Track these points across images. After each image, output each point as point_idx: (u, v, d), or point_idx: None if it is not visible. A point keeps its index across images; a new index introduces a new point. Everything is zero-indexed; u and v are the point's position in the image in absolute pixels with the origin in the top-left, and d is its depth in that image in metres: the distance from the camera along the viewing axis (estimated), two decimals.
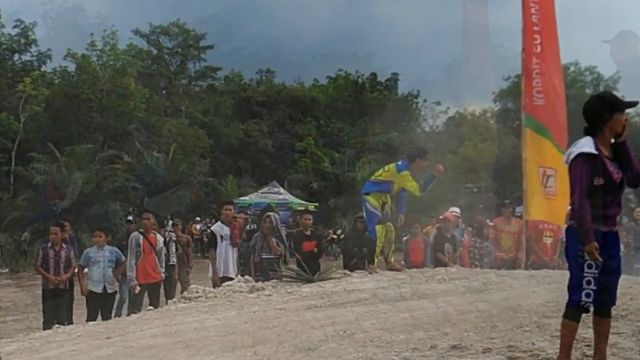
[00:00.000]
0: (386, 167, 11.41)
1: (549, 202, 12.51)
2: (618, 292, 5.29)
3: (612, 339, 5.42)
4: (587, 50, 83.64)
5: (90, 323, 10.08)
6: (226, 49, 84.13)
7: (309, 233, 13.23)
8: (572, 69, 46.20)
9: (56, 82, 41.00)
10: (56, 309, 12.05)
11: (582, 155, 4.92)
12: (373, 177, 11.61)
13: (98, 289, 12.26)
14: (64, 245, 12.41)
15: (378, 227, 11.19)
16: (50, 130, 36.93)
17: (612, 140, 5.06)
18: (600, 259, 4.84)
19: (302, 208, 32.78)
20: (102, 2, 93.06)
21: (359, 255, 12.60)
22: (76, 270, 12.46)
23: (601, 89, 42.35)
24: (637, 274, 12.84)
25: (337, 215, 36.40)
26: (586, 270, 4.87)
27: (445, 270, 11.38)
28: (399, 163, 11.18)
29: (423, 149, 11.92)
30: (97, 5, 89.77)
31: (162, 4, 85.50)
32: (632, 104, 5.48)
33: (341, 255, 18.04)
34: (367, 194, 11.33)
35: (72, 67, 40.63)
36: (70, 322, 11.68)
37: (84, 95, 37.87)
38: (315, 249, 12.76)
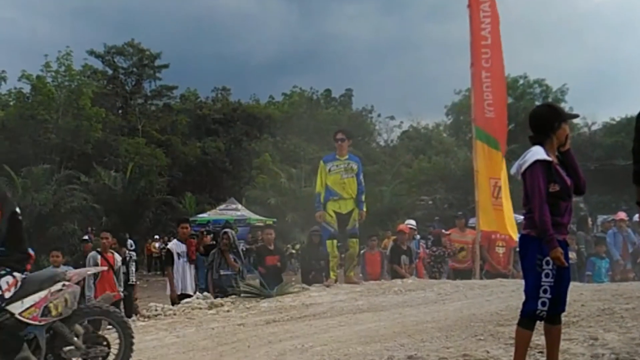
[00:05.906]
0: None
1: (498, 213, 12.75)
2: (570, 299, 5.34)
3: (564, 345, 5.48)
4: (536, 63, 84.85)
5: None
6: (182, 67, 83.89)
7: (272, 247, 13.11)
8: (521, 82, 46.86)
9: (11, 103, 40.44)
10: None
11: (538, 162, 4.92)
12: None
13: None
14: None
15: (327, 242, 11.32)
16: (5, 152, 36.14)
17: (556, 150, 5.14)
18: (566, 264, 4.87)
19: (261, 224, 32.69)
20: (55, 23, 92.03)
21: (316, 269, 12.62)
22: None
23: (550, 100, 42.93)
24: (587, 282, 13.04)
25: (296, 230, 36.21)
26: (543, 279, 4.85)
27: (402, 282, 11.50)
28: None
29: (336, 130, 12.18)
30: (51, 27, 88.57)
31: (116, 25, 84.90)
32: (575, 116, 5.94)
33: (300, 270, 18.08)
34: (324, 206, 11.48)
35: (27, 88, 40.11)
36: None
37: (40, 116, 37.46)
38: (279, 263, 12.75)
